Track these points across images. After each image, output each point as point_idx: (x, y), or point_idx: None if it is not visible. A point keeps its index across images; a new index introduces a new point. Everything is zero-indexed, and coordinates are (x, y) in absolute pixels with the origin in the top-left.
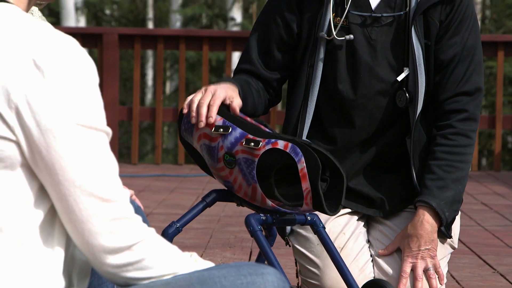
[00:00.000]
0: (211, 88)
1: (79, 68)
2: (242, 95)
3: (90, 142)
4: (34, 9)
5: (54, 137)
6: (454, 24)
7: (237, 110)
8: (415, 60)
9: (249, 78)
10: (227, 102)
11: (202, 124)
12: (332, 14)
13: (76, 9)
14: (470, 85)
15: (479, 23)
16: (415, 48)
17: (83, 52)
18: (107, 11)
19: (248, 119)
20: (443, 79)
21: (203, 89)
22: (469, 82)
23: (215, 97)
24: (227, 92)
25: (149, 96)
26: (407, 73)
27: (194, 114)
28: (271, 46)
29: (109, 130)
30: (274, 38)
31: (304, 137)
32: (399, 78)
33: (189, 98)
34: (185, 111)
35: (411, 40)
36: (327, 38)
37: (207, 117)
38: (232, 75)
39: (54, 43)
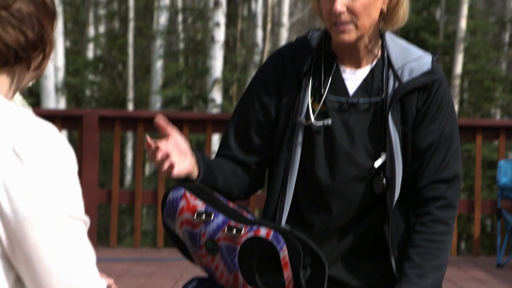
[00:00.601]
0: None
1: (58, 157)
2: (205, 168)
3: (67, 232)
4: None
5: (32, 226)
6: (431, 112)
7: (184, 167)
8: (392, 146)
9: (223, 161)
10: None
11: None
12: (310, 99)
13: (56, 90)
14: (448, 172)
15: (457, 106)
16: (392, 134)
17: (62, 140)
18: (88, 92)
19: (231, 204)
20: (421, 166)
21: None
22: (447, 169)
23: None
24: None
25: (128, 177)
26: (384, 159)
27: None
28: (249, 131)
29: (87, 219)
30: (252, 122)
31: (283, 223)
32: (376, 164)
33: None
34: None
35: (388, 126)
36: (305, 123)
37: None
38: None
39: (34, 131)
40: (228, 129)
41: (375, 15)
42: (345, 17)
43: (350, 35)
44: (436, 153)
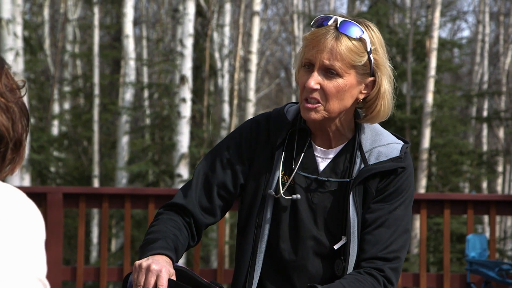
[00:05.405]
0: (154, 270)
1: (28, 218)
2: (177, 256)
3: None
4: None
5: None
6: (387, 192)
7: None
8: (349, 229)
9: (176, 229)
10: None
11: None
12: (282, 172)
13: (21, 167)
14: (388, 253)
15: (425, 180)
16: (351, 216)
17: (33, 205)
18: (52, 169)
19: (205, 280)
20: (364, 240)
21: (143, 268)
22: (387, 249)
23: (160, 279)
24: (169, 271)
25: (94, 254)
26: (343, 242)
27: None
28: (212, 191)
29: (47, 284)
30: (217, 182)
31: None
32: (336, 246)
33: (133, 279)
34: None
35: (348, 208)
36: (275, 196)
37: None
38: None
39: (4, 193)
40: (194, 181)
41: (348, 101)
42: (316, 95)
43: (316, 114)
44: (380, 229)
